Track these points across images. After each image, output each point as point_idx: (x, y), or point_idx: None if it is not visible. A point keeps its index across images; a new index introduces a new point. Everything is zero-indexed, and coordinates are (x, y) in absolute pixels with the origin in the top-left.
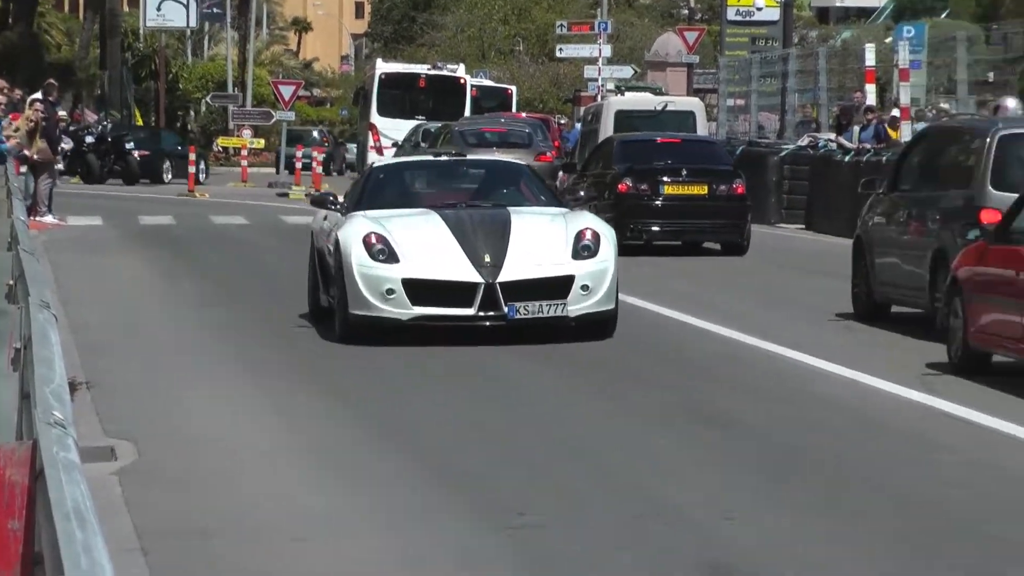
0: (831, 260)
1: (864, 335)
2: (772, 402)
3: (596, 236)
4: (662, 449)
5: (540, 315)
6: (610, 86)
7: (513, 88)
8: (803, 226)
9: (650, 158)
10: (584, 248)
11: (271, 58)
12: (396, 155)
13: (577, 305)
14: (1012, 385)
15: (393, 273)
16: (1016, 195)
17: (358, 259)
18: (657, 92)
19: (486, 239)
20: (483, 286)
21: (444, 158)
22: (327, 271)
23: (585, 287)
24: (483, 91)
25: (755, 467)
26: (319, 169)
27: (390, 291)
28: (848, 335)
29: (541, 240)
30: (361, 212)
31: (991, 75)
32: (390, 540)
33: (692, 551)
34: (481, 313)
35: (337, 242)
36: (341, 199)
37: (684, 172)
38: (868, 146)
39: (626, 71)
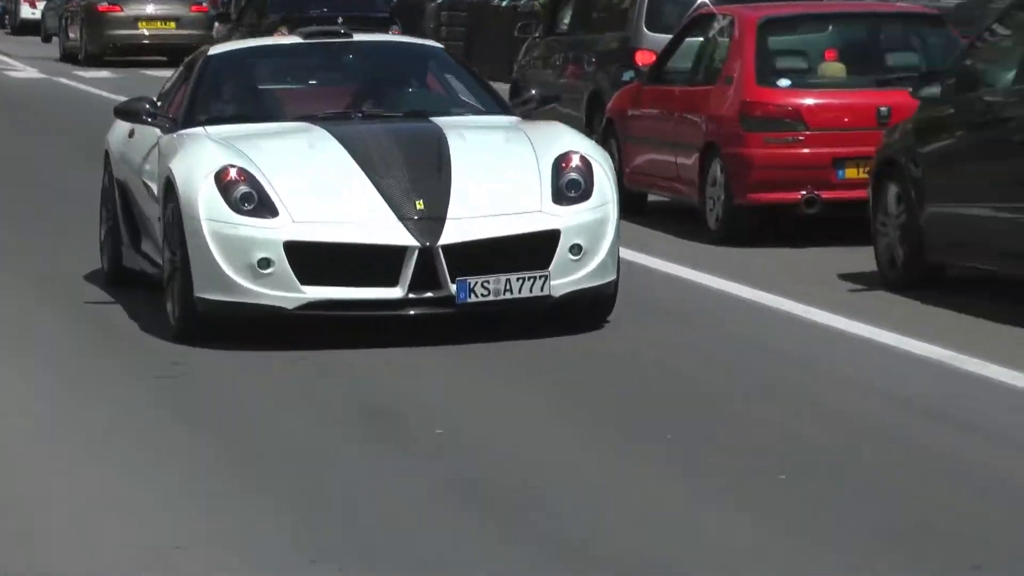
0: None
1: None
2: None
3: (587, 164)
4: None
5: (508, 296)
6: None
7: None
8: None
9: (306, 6)
10: (571, 184)
11: None
12: (46, 7)
13: (565, 277)
14: (666, 224)
15: (269, 233)
16: (670, 36)
17: (209, 209)
18: None
19: (413, 173)
20: (416, 252)
21: (315, 40)
22: (139, 220)
23: (576, 248)
24: None
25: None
26: None
27: (265, 262)
28: None
29: (501, 173)
30: (201, 129)
31: None
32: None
33: (356, 397)
34: (413, 296)
35: (169, 179)
36: (158, 102)
37: (340, 19)
38: None
39: None
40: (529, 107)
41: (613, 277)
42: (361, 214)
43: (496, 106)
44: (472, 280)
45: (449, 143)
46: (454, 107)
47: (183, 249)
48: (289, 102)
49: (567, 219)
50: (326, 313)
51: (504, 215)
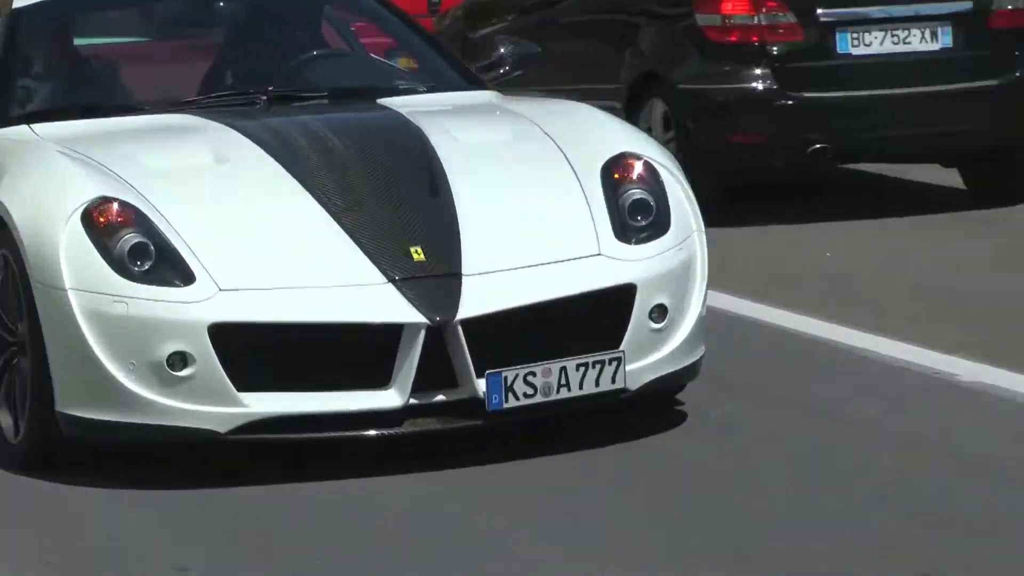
0: None
1: None
2: None
3: (653, 174)
4: None
5: (564, 394)
6: None
7: None
8: None
9: None
10: (637, 208)
11: None
12: None
13: (645, 358)
14: None
15: (184, 310)
16: None
17: (80, 273)
18: None
19: (396, 203)
20: (422, 332)
21: None
22: None
23: (659, 311)
24: None
25: None
26: None
27: (177, 359)
28: None
29: (526, 195)
30: (26, 128)
31: None
32: None
33: None
34: (416, 402)
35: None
36: None
37: None
38: None
39: None
40: (499, 74)
41: (703, 352)
42: (326, 273)
43: (456, 74)
44: (510, 373)
45: (436, 148)
46: (399, 80)
47: (33, 337)
48: (150, 78)
49: (642, 267)
50: (279, 437)
51: (547, 264)
